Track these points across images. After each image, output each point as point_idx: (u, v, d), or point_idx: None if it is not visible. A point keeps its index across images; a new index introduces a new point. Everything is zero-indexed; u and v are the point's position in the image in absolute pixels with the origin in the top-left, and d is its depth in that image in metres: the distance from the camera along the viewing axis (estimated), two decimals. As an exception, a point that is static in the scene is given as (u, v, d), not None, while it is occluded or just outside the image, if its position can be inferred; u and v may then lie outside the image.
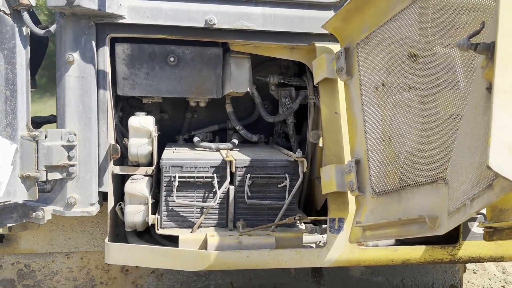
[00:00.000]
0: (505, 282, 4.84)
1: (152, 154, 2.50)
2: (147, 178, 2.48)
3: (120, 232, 2.68)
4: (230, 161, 2.39)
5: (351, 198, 2.28)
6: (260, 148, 2.98)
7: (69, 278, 2.89)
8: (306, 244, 2.46)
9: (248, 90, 2.72)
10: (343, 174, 2.23)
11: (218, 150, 2.72)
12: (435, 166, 1.74)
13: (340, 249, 2.28)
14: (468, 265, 5.35)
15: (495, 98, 1.07)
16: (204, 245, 2.29)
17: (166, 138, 3.15)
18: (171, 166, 2.37)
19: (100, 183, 2.45)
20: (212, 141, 3.07)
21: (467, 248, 2.38)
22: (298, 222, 2.34)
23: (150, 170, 2.52)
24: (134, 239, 2.57)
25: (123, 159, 2.69)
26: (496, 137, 1.03)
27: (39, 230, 2.76)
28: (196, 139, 2.82)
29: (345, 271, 3.17)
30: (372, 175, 2.10)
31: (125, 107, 2.97)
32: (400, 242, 2.45)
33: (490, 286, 4.77)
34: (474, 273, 5.06)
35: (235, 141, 2.87)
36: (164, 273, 2.98)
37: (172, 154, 2.53)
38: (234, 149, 2.81)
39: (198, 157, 2.45)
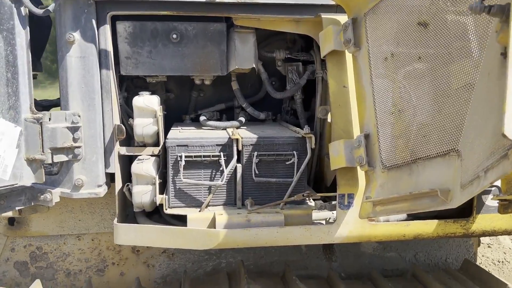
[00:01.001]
0: (521, 255, 4.79)
1: (158, 134, 2.47)
2: (154, 158, 2.46)
3: (129, 213, 2.68)
4: (237, 139, 2.35)
5: (360, 174, 2.23)
6: (268, 125, 2.93)
7: (81, 259, 2.92)
8: (316, 221, 2.43)
9: (254, 66, 2.66)
10: (352, 149, 2.17)
11: (224, 128, 2.68)
12: (447, 137, 1.68)
13: (350, 225, 2.24)
14: (483, 239, 5.29)
15: (510, 64, 1.00)
16: (213, 224, 2.27)
17: (173, 118, 3.11)
18: (177, 146, 2.33)
19: (106, 164, 2.44)
20: (219, 119, 3.02)
21: (481, 221, 2.32)
22: (307, 198, 2.30)
23: (156, 150, 2.49)
24: (143, 219, 2.56)
25: (130, 140, 2.66)
26: (511, 104, 0.97)
27: (49, 212, 2.77)
28: (202, 118, 2.78)
29: (357, 247, 3.14)
30: (382, 149, 2.04)
31: (130, 87, 2.93)
32: (412, 217, 2.40)
33: (506, 260, 4.72)
34: (489, 247, 5.01)
35: (242, 119, 2.82)
36: (175, 253, 2.99)
37: (178, 133, 2.50)
38: (241, 127, 2.76)
39: (204, 136, 2.42)
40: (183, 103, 3.19)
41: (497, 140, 1.24)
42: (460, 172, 1.56)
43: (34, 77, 3.93)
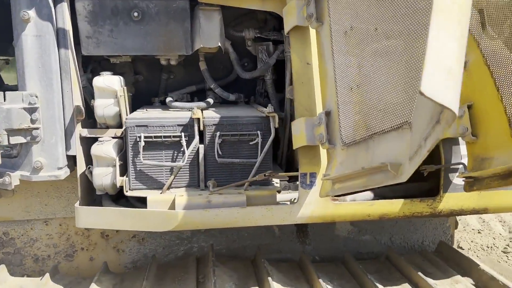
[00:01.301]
0: (510, 241, 4.75)
1: (120, 115, 2.41)
2: (115, 140, 2.40)
3: (97, 197, 2.63)
4: (198, 119, 2.29)
5: (323, 152, 2.18)
6: (238, 107, 2.87)
7: (49, 244, 2.87)
8: (282, 202, 2.38)
9: (220, 44, 2.59)
10: (314, 127, 2.12)
11: (190, 109, 2.61)
12: (401, 110, 1.62)
13: (312, 204, 2.19)
14: (474, 225, 5.26)
15: (433, 17, 0.94)
16: (173, 206, 2.22)
17: (143, 102, 3.05)
18: (136, 126, 2.28)
19: (67, 147, 2.38)
20: (189, 102, 2.96)
21: (448, 200, 2.27)
22: (269, 178, 2.25)
23: (119, 132, 2.43)
24: (109, 203, 2.51)
25: (95, 122, 2.61)
26: (431, 60, 0.91)
27: (14, 197, 2.72)
28: (168, 99, 2.71)
29: (331, 230, 3.09)
30: (342, 126, 1.99)
31: (96, 69, 2.86)
32: (379, 197, 2.35)
33: (494, 245, 4.69)
34: (479, 232, 4.97)
35: (210, 100, 2.76)
36: (145, 237, 2.95)
37: (139, 114, 2.44)
38: (210, 108, 2.70)
39: (165, 116, 2.36)
40: (154, 86, 3.13)
41: (434, 107, 1.18)
42: (410, 144, 1.51)
43: (7, 62, 3.89)
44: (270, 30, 2.95)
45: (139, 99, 3.03)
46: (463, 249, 4.52)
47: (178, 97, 2.89)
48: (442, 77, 0.90)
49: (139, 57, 2.84)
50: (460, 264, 2.71)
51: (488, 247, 4.73)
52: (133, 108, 2.70)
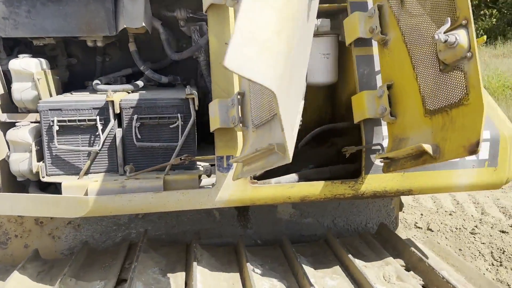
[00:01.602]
0: (479, 222, 4.75)
1: (40, 99, 2.34)
2: (33, 124, 2.33)
3: (27, 183, 2.57)
4: (112, 101, 2.22)
5: (240, 134, 2.12)
6: (172, 89, 2.80)
7: (-19, 233, 2.82)
8: (206, 186, 2.33)
9: (144, 25, 2.50)
10: (228, 109, 2.06)
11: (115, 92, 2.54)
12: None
13: (230, 188, 2.15)
14: (446, 207, 5.26)
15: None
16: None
17: (80, 85, 2.96)
18: (50, 110, 2.21)
19: (-15, 132, 2.31)
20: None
21: (371, 182, 2.23)
22: (185, 162, 2.19)
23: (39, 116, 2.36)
24: (34, 189, 2.46)
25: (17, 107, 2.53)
26: (239, 31, 0.84)
27: None
28: (95, 82, 2.63)
29: (273, 214, 3.05)
30: (253, 107, 1.93)
31: (25, 51, 2.77)
32: (304, 179, 2.31)
33: (463, 227, 4.68)
34: (450, 215, 4.97)
35: (139, 82, 2.68)
36: (81, 224, 2.89)
37: (57, 97, 2.37)
38: (140, 91, 2.62)
39: (81, 99, 2.29)
40: (91, 69, 3.04)
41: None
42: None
43: None
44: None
45: (76, 83, 2.94)
46: (433, 231, 4.52)
47: (110, 80, 2.81)
48: (253, 50, 0.84)
49: (70, 39, 2.75)
50: (396, 246, 2.69)
51: (457, 229, 4.73)
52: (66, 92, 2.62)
